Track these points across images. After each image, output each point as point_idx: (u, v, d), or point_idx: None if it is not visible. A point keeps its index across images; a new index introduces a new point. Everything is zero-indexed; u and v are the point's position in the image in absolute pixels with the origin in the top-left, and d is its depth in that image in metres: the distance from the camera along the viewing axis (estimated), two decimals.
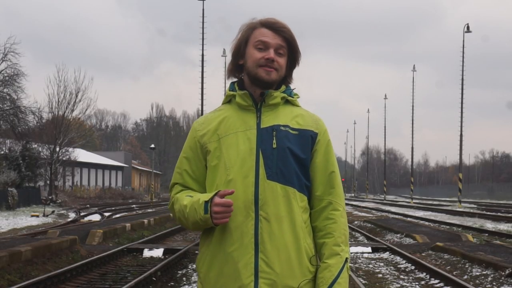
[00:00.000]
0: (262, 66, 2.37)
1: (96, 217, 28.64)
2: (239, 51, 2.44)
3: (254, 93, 2.42)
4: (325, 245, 2.39)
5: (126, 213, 33.35)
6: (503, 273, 10.25)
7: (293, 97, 2.47)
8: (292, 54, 2.43)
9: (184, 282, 10.13)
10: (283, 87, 2.45)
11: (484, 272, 10.67)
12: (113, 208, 39.82)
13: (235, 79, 2.51)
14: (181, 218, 2.40)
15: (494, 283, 9.83)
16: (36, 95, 53.14)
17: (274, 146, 2.36)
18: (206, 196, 2.31)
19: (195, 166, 2.45)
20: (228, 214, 2.27)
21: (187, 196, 2.40)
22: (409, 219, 27.84)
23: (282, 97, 2.43)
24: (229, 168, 2.35)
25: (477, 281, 10.16)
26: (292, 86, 2.51)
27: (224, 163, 2.36)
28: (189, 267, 11.88)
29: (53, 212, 32.94)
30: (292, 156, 2.37)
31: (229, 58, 2.55)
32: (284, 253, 2.32)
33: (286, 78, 2.48)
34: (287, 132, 2.38)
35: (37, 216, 29.02)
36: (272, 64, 2.36)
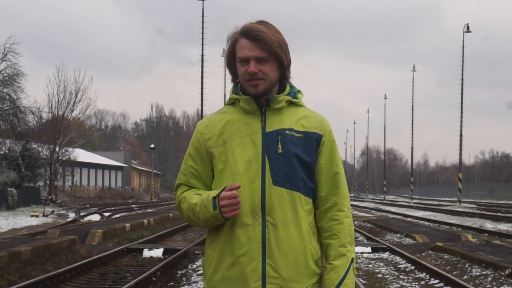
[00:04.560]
0: (248, 80, 2.36)
1: (95, 217, 28.63)
2: (231, 63, 2.45)
3: (258, 98, 2.41)
4: (331, 246, 2.40)
5: (125, 213, 33.34)
6: (503, 273, 10.24)
7: (297, 98, 2.46)
8: (278, 57, 2.37)
9: (184, 282, 10.12)
10: (288, 89, 2.44)
11: (484, 272, 10.67)
12: (112, 208, 39.81)
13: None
14: (191, 216, 2.40)
15: (494, 283, 9.83)
16: (36, 95, 52.94)
17: (280, 151, 2.36)
18: (214, 193, 2.33)
19: (201, 167, 2.45)
20: (236, 206, 2.27)
21: (196, 195, 2.39)
22: (409, 219, 27.83)
23: (286, 100, 2.42)
24: (235, 173, 2.35)
25: (477, 281, 10.16)
26: (289, 85, 2.49)
27: (230, 167, 2.36)
28: (189, 267, 11.87)
29: (52, 212, 32.93)
30: (297, 161, 2.37)
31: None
32: (291, 258, 2.33)
33: (284, 78, 2.44)
34: (292, 136, 2.38)
35: (37, 216, 29.01)
36: (256, 76, 2.35)
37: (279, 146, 2.36)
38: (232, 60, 2.43)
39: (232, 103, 2.48)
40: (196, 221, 2.39)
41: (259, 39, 2.34)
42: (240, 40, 2.38)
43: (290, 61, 2.44)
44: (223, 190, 2.30)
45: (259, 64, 2.35)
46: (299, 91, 2.48)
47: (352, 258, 2.39)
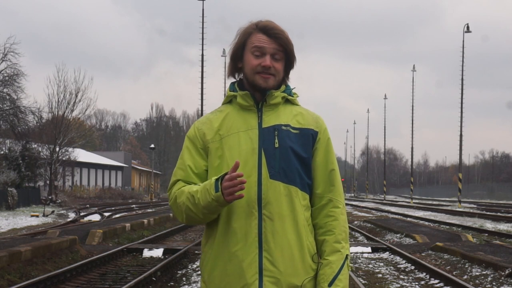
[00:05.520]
0: (259, 73, 2.39)
1: (96, 217, 28.63)
2: (237, 54, 2.46)
3: (255, 93, 2.44)
4: (326, 242, 2.42)
5: (126, 213, 33.36)
6: (503, 273, 10.24)
7: (292, 96, 2.49)
8: (289, 59, 2.45)
9: (184, 282, 10.12)
10: (283, 87, 2.48)
11: (484, 272, 10.67)
12: (113, 208, 39.82)
13: (235, 79, 2.54)
14: (190, 206, 2.34)
15: (494, 283, 9.83)
16: (36, 95, 52.99)
17: (276, 145, 2.38)
18: (217, 176, 2.30)
19: (198, 162, 2.45)
20: (237, 188, 2.21)
21: (197, 185, 2.37)
22: (409, 219, 27.83)
23: (282, 97, 2.45)
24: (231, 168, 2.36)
25: (477, 281, 10.16)
26: (291, 86, 2.54)
27: (226, 163, 2.37)
28: (189, 267, 11.87)
29: (52, 212, 32.92)
30: (294, 155, 2.39)
31: (228, 59, 2.58)
32: (288, 251, 2.34)
33: (283, 79, 2.50)
34: (288, 132, 2.41)
35: (37, 216, 29.00)
36: (269, 71, 2.39)
37: (276, 140, 2.38)
38: (241, 51, 2.45)
39: (229, 101, 2.50)
40: (195, 210, 2.33)
41: (279, 38, 2.40)
42: (257, 34, 2.42)
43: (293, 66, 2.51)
44: (226, 174, 2.27)
45: (273, 61, 2.40)
46: (294, 92, 2.52)
47: (347, 255, 2.42)
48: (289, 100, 2.48)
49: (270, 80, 2.40)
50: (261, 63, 2.38)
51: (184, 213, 2.39)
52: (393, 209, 41.17)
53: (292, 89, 2.51)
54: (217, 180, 2.27)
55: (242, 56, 2.45)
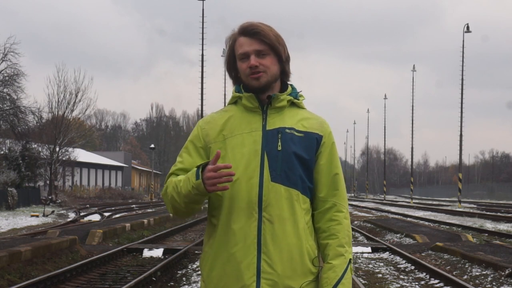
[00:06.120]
0: (250, 74, 2.38)
1: (96, 217, 28.64)
2: (231, 66, 2.47)
3: (260, 95, 2.43)
4: (329, 246, 2.40)
5: (126, 213, 33.35)
6: (503, 273, 10.24)
7: (298, 99, 2.48)
8: (275, 50, 2.41)
9: (184, 282, 10.12)
10: (289, 89, 2.47)
11: (484, 272, 10.67)
12: (113, 208, 39.82)
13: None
14: (174, 196, 2.35)
15: (494, 283, 9.83)
16: (36, 95, 53.06)
17: (279, 148, 2.37)
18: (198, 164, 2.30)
19: (196, 161, 2.44)
20: (223, 180, 2.21)
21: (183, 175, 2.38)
22: (409, 219, 27.84)
23: (288, 100, 2.44)
24: (233, 169, 2.34)
25: (477, 281, 10.16)
26: (291, 86, 2.51)
27: (229, 163, 2.37)
28: (189, 267, 11.87)
29: (52, 212, 32.92)
30: (297, 159, 2.38)
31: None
32: (287, 254, 2.34)
33: (284, 73, 2.47)
34: (292, 135, 2.39)
35: (37, 216, 29.00)
36: (257, 69, 2.37)
37: (279, 143, 2.37)
38: (232, 61, 2.46)
39: (234, 102, 2.50)
40: (178, 200, 2.34)
41: (256, 32, 2.38)
42: (239, 39, 2.42)
43: (289, 56, 2.47)
44: (208, 162, 2.26)
45: (259, 58, 2.38)
46: (300, 94, 2.50)
47: (350, 259, 2.41)
48: (295, 103, 2.47)
49: (261, 78, 2.38)
50: (248, 65, 2.38)
51: (170, 203, 2.40)
52: (393, 209, 41.18)
53: (299, 92, 2.50)
54: (198, 167, 2.26)
55: (235, 66, 2.45)
